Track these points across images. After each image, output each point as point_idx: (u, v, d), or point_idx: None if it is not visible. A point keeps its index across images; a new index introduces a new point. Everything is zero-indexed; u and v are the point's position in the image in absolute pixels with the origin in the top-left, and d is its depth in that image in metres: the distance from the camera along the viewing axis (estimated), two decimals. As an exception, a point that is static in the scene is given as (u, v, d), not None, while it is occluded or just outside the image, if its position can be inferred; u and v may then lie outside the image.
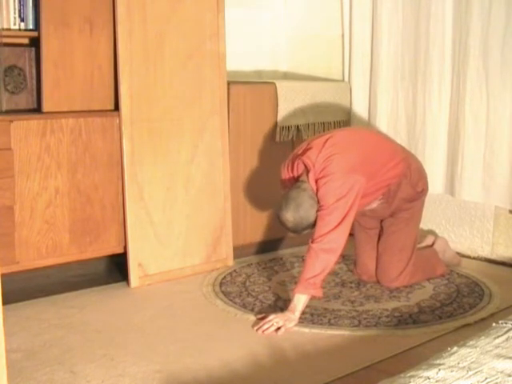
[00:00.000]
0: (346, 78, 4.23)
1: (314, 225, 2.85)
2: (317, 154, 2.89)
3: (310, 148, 2.95)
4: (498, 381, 1.44)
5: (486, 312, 2.93)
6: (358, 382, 2.29)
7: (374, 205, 3.10)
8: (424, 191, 3.23)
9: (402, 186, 3.09)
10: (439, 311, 2.95)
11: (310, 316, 2.86)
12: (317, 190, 2.85)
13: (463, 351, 1.61)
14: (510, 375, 1.46)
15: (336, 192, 2.79)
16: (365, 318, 2.86)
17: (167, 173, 3.37)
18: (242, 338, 2.65)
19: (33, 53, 3.16)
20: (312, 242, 2.79)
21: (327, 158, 2.87)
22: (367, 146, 3.08)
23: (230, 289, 3.24)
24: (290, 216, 2.84)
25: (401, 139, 3.95)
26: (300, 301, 2.78)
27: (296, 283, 2.86)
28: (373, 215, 3.23)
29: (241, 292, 3.20)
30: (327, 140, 2.97)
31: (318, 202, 2.83)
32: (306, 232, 2.93)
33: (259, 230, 3.77)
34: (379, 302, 3.07)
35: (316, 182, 2.85)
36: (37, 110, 3.17)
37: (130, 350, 2.52)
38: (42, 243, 3.08)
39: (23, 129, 2.98)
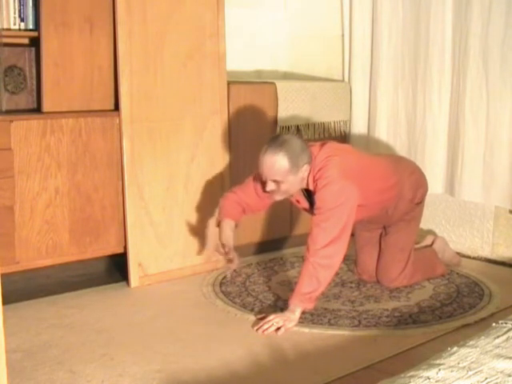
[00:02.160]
0: (346, 78, 4.23)
1: (291, 171, 2.75)
2: (317, 151, 2.88)
3: (308, 147, 2.94)
4: (498, 381, 1.44)
5: (485, 312, 2.93)
6: (358, 382, 2.29)
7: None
8: (424, 197, 3.24)
9: (400, 205, 3.12)
10: (439, 311, 2.95)
11: (310, 316, 2.86)
12: (315, 190, 2.84)
13: (463, 351, 1.61)
14: (510, 375, 1.46)
15: (334, 197, 2.75)
16: (365, 318, 2.86)
17: (167, 173, 3.37)
18: (242, 338, 2.65)
19: (33, 53, 3.16)
20: (309, 255, 2.73)
21: (327, 157, 2.84)
22: (363, 159, 3.08)
23: (230, 289, 3.24)
24: (285, 136, 2.85)
25: (401, 139, 3.95)
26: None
27: (294, 286, 2.84)
28: (372, 222, 3.23)
29: (241, 292, 3.20)
30: (325, 143, 2.96)
31: (315, 202, 2.82)
32: (276, 180, 2.79)
33: (259, 230, 3.77)
34: (379, 301, 3.07)
35: (314, 181, 2.85)
36: (37, 110, 3.17)
37: (129, 350, 2.52)
38: (42, 243, 3.08)
39: (23, 129, 2.98)
